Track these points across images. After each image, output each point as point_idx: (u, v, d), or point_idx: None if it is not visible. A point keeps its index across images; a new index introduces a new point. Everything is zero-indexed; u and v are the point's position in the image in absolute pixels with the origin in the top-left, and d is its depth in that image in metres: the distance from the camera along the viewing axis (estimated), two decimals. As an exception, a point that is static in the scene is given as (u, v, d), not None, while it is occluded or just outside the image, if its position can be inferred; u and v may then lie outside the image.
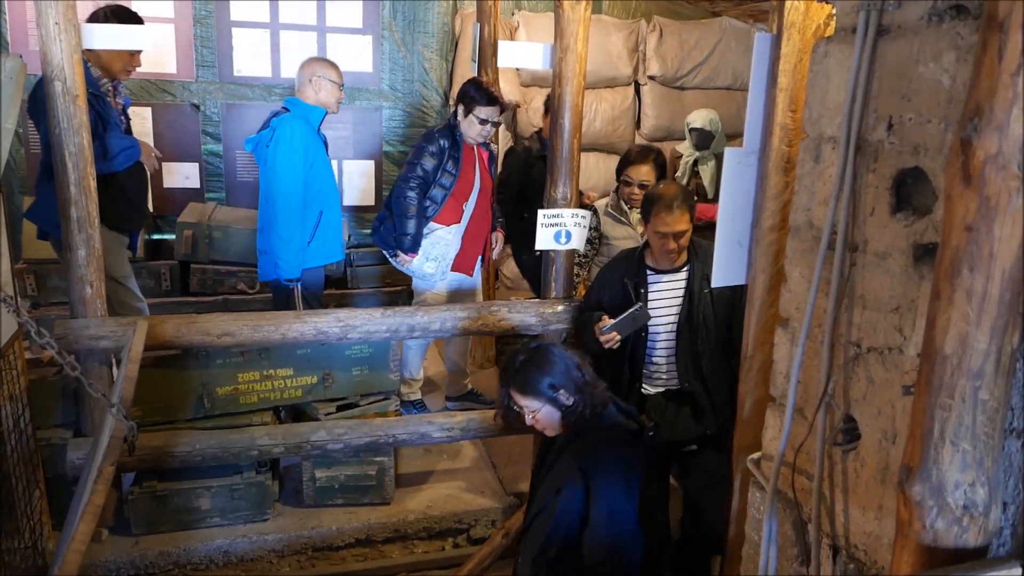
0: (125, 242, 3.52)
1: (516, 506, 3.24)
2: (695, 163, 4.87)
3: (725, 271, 2.02)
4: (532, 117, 5.40)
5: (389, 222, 3.79)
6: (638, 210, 3.57)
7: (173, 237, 4.77)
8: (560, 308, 3.18)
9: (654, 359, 2.80)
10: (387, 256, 3.91)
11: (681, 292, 2.75)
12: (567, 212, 3.12)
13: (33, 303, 4.30)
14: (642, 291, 2.76)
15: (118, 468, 2.68)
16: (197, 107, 5.09)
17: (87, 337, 2.69)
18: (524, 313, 3.15)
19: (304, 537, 3.10)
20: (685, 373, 2.75)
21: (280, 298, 3.69)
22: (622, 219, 3.71)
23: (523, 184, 4.04)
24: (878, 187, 1.41)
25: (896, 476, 1.24)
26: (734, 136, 5.16)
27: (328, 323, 2.94)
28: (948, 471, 1.15)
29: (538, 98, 5.37)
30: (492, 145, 4.00)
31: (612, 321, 2.69)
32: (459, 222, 3.80)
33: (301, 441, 2.99)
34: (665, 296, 2.78)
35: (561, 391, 2.15)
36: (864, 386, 1.46)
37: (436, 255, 3.79)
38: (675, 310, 2.75)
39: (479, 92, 3.64)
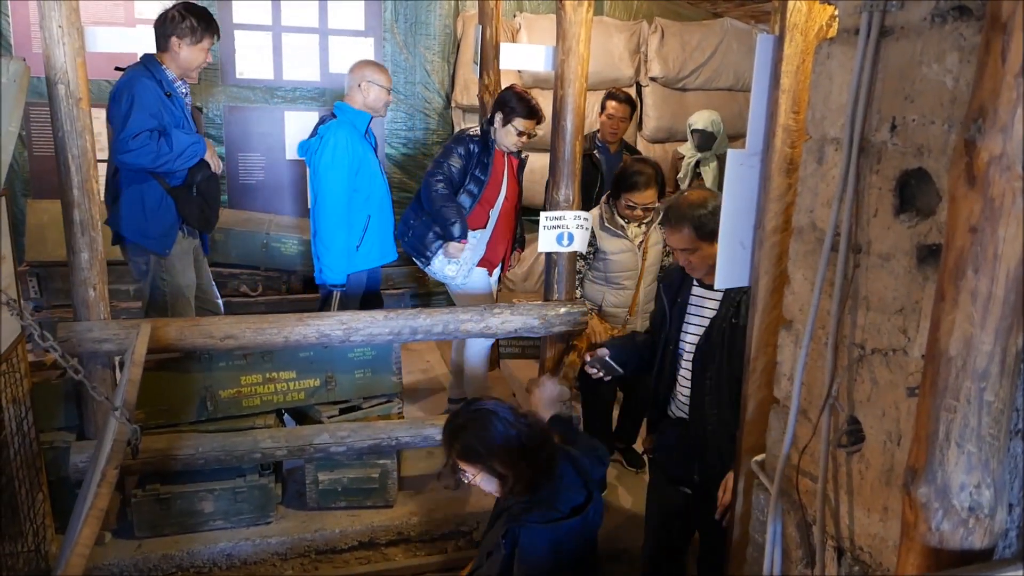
0: (195, 245, 3.57)
1: (519, 508, 3.24)
2: (697, 164, 4.87)
3: (728, 273, 2.01)
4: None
5: (419, 225, 3.76)
6: (635, 224, 3.50)
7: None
8: (562, 310, 3.18)
9: (678, 379, 2.54)
10: (418, 263, 3.88)
11: (712, 314, 2.45)
12: (569, 214, 3.13)
13: (36, 306, 4.30)
14: (679, 300, 2.52)
15: (121, 471, 2.69)
16: (200, 109, 5.09)
17: (90, 340, 2.69)
18: (527, 315, 3.15)
19: (307, 540, 3.10)
20: (691, 404, 2.49)
21: (322, 299, 3.80)
22: (618, 232, 3.53)
23: None
24: (881, 188, 1.41)
25: (901, 478, 1.24)
26: (736, 137, 5.16)
27: (331, 326, 2.94)
28: (953, 473, 1.14)
29: (539, 100, 5.38)
30: (523, 152, 3.97)
31: (598, 353, 2.66)
32: (484, 227, 3.81)
33: (304, 444, 2.99)
34: (700, 313, 2.49)
35: (495, 460, 2.06)
36: (868, 388, 1.46)
37: (459, 258, 3.80)
38: (702, 331, 2.46)
39: (520, 103, 3.61)
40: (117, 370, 2.91)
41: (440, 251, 3.76)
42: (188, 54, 3.27)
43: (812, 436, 1.60)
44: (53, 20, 2.48)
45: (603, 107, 4.57)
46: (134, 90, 3.12)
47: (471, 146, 3.69)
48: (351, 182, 3.57)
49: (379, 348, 3.29)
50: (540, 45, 3.20)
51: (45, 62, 2.53)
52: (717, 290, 2.36)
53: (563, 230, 3.13)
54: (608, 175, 4.55)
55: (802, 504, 1.67)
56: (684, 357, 2.49)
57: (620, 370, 2.68)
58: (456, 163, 3.67)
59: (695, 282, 2.49)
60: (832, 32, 1.61)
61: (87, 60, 2.60)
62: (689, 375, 2.47)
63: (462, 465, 2.11)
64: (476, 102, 4.89)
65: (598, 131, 4.65)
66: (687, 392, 2.49)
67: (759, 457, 1.87)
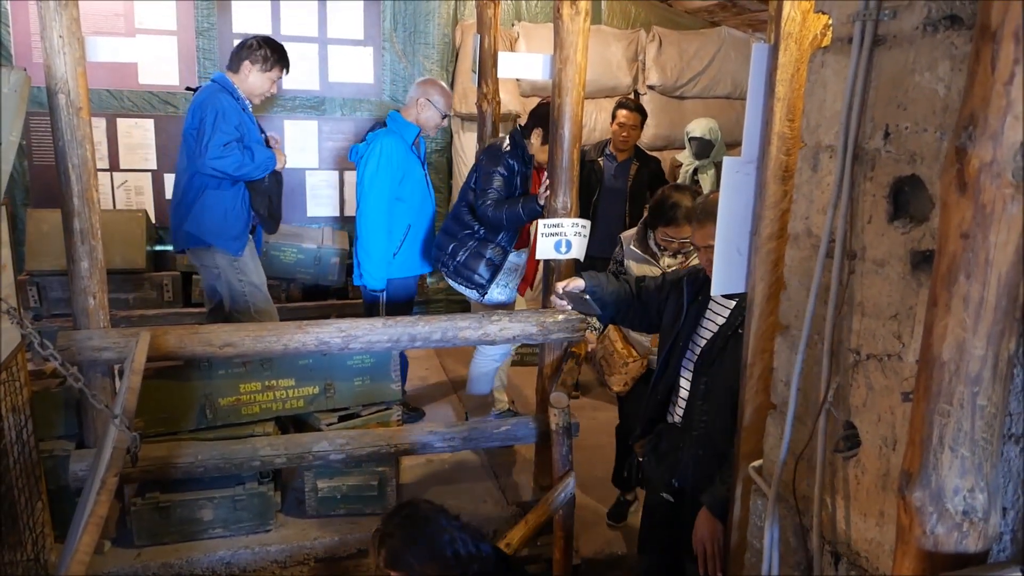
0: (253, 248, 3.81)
1: (518, 516, 3.24)
2: (695, 172, 4.89)
3: (724, 279, 2.02)
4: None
5: (465, 254, 3.67)
6: (670, 254, 3.24)
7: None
8: (560, 317, 3.18)
9: (681, 381, 2.46)
10: (469, 294, 3.76)
11: (723, 321, 2.36)
12: (567, 221, 3.14)
13: (35, 315, 4.31)
14: (699, 299, 2.42)
15: (120, 479, 2.68)
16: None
17: (90, 348, 2.70)
18: (525, 323, 3.16)
19: (306, 548, 3.10)
20: (685, 409, 2.42)
21: (368, 305, 3.94)
22: (647, 259, 3.29)
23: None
24: (875, 195, 1.42)
25: (896, 482, 1.25)
26: (733, 145, 5.18)
27: (329, 333, 2.95)
28: (947, 477, 1.15)
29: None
30: None
31: (575, 284, 2.52)
32: (527, 246, 3.79)
33: (303, 451, 2.99)
34: (714, 319, 2.40)
35: (426, 569, 1.98)
36: (864, 393, 1.47)
37: (506, 282, 3.77)
38: (711, 335, 2.38)
39: None
40: (117, 378, 2.91)
41: (496, 283, 3.66)
42: (256, 80, 3.58)
43: (809, 441, 1.61)
44: (54, 30, 2.49)
45: (613, 116, 4.56)
46: (217, 104, 3.43)
47: (510, 162, 3.58)
48: (394, 190, 3.67)
49: (378, 355, 3.30)
50: (538, 54, 3.21)
51: (46, 72, 2.54)
52: (735, 297, 2.31)
53: (561, 237, 3.14)
54: (609, 184, 4.55)
55: (799, 509, 1.67)
56: (689, 358, 2.42)
57: (597, 309, 2.55)
58: (499, 184, 3.55)
59: None
60: (826, 41, 1.62)
61: (87, 70, 2.61)
62: (690, 377, 2.41)
63: (389, 569, 2.02)
64: (475, 111, 4.90)
65: (609, 140, 4.65)
66: (685, 396, 2.43)
67: (756, 463, 1.87)
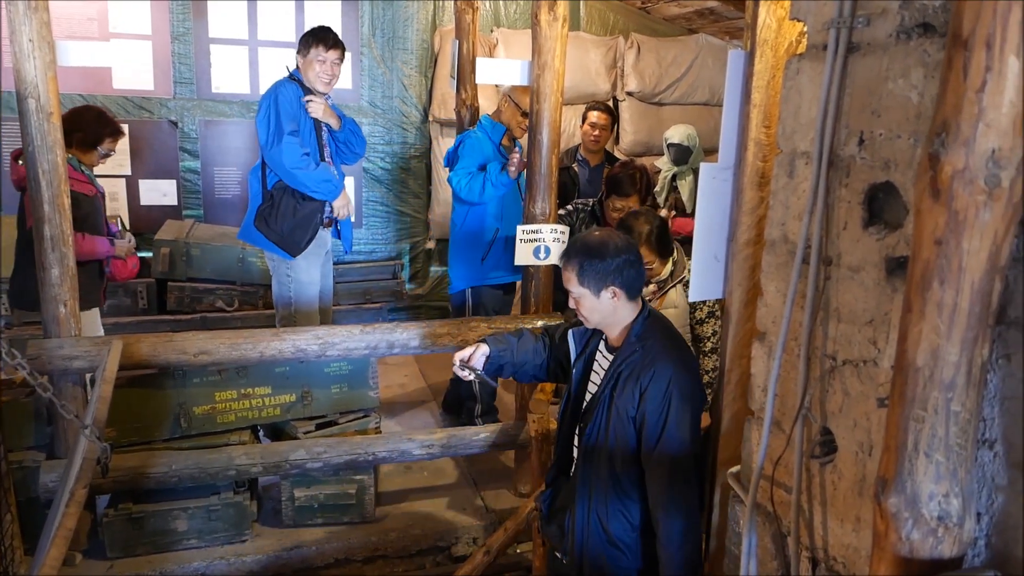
0: (327, 249, 3.80)
1: (497, 524, 3.22)
2: (674, 178, 4.91)
3: (702, 285, 2.03)
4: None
5: None
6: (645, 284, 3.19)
7: (150, 255, 4.72)
8: (539, 323, 3.18)
9: (574, 438, 2.22)
10: None
11: (604, 372, 2.11)
12: (546, 227, 3.13)
13: (6, 323, 4.22)
14: (587, 350, 2.19)
15: (92, 490, 2.64)
16: (175, 124, 5.07)
17: (60, 357, 2.65)
18: (504, 327, 3.14)
19: (283, 558, 3.06)
20: (574, 466, 2.20)
21: (456, 310, 3.95)
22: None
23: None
24: (850, 201, 1.43)
25: (873, 488, 1.25)
26: (712, 151, 5.19)
27: (307, 340, 2.92)
28: (923, 482, 1.15)
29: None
30: None
31: (480, 351, 2.28)
32: None
33: (280, 460, 2.96)
34: (599, 371, 2.16)
35: None
36: (840, 399, 1.47)
37: None
38: (596, 388, 2.14)
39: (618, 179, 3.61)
40: (89, 387, 2.86)
41: None
42: (304, 66, 3.51)
43: (786, 447, 1.61)
44: (23, 34, 2.45)
45: (584, 118, 4.60)
46: (276, 92, 3.43)
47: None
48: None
49: (356, 363, 3.27)
50: (516, 60, 3.21)
51: (15, 76, 2.49)
52: (615, 351, 2.09)
53: (540, 243, 3.14)
54: (585, 189, 4.56)
55: (777, 515, 1.67)
56: (579, 415, 2.19)
57: (493, 383, 2.40)
58: None
59: (604, 337, 2.16)
60: (801, 48, 1.63)
61: (59, 74, 2.57)
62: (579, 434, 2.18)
63: None
64: (453, 116, 4.89)
65: (579, 145, 4.68)
66: (575, 455, 2.20)
67: (734, 469, 1.88)
